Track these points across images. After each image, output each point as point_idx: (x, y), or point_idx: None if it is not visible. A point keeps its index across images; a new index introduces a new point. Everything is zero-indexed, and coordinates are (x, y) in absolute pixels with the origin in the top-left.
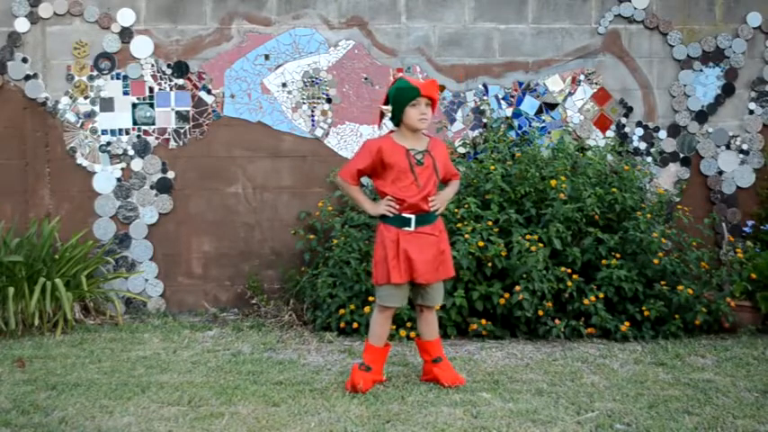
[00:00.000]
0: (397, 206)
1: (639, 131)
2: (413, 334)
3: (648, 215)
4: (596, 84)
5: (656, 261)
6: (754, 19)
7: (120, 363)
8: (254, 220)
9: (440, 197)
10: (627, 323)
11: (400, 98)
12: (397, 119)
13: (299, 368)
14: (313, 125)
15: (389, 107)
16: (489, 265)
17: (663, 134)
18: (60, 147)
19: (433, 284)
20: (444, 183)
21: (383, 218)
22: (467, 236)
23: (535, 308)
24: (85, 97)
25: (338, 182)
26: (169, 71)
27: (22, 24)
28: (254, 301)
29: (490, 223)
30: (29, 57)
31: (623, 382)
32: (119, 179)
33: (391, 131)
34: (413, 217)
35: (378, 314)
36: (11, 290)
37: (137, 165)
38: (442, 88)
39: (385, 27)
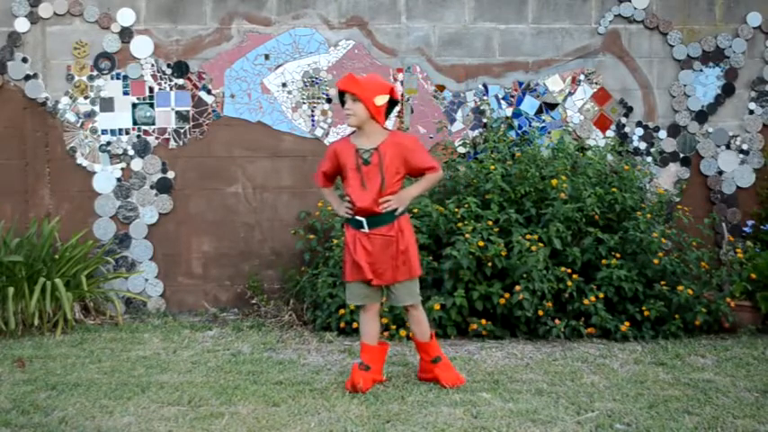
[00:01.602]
0: (352, 208)
1: (639, 131)
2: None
3: (648, 215)
4: (596, 84)
5: (656, 261)
6: (754, 19)
7: (120, 363)
8: (254, 220)
9: (399, 195)
10: (627, 323)
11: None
12: None
13: (299, 368)
14: (313, 125)
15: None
16: (489, 264)
17: (663, 134)
18: (60, 147)
19: (396, 285)
20: (418, 177)
21: (347, 218)
22: (467, 235)
23: (535, 308)
24: (85, 97)
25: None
26: (169, 71)
27: (22, 24)
28: (254, 301)
29: (490, 223)
30: (29, 57)
31: (623, 382)
32: (119, 179)
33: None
34: (364, 219)
35: (360, 314)
36: (11, 290)
37: (137, 165)
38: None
39: (385, 27)
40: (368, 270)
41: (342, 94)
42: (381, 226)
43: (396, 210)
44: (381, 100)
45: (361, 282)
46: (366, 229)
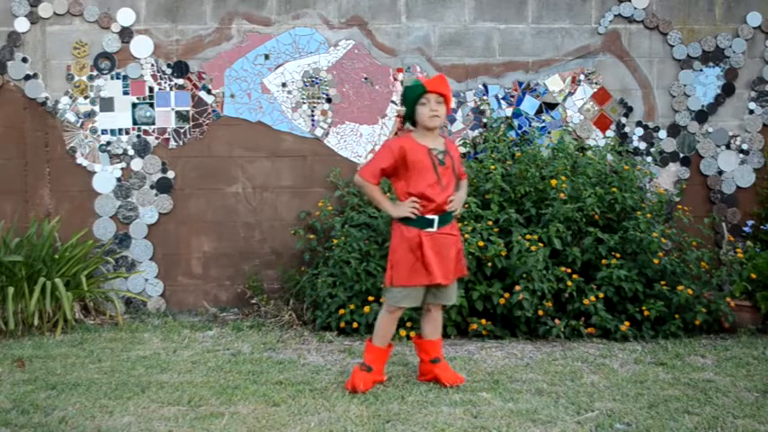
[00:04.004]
0: (421, 207)
1: (639, 131)
2: (413, 334)
3: (648, 215)
4: (596, 84)
5: (656, 261)
6: (754, 19)
7: (120, 363)
8: (254, 220)
9: (457, 198)
10: (627, 323)
11: (408, 97)
12: (412, 119)
13: (299, 368)
14: (313, 125)
15: (404, 108)
16: (489, 264)
17: (663, 134)
18: (60, 147)
19: (451, 284)
20: None
21: (403, 219)
22: (467, 236)
23: (535, 308)
24: (85, 97)
25: (358, 181)
26: (169, 71)
27: (21, 24)
28: (254, 301)
29: (490, 223)
30: (29, 57)
31: (623, 382)
32: (119, 179)
33: (410, 131)
34: (436, 218)
35: (387, 315)
36: (11, 290)
37: (137, 165)
38: None
39: (385, 27)
40: (439, 272)
41: (420, 95)
42: (446, 225)
43: (454, 210)
44: (452, 102)
45: (419, 284)
46: (434, 229)
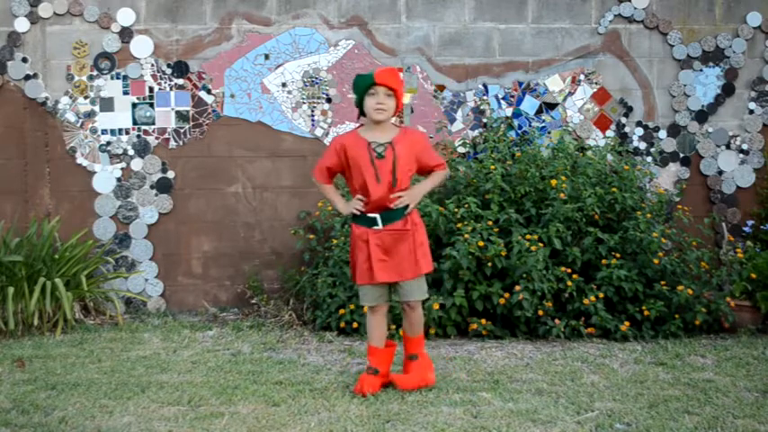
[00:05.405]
0: (364, 205)
1: (639, 131)
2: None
3: (648, 215)
4: (596, 83)
5: (656, 261)
6: (754, 19)
7: (120, 363)
8: (254, 220)
9: (410, 191)
10: (627, 323)
11: (357, 88)
12: (361, 110)
13: (299, 368)
14: (313, 125)
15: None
16: (489, 264)
17: (663, 134)
18: (60, 147)
19: (410, 280)
20: (425, 174)
21: (354, 217)
22: (467, 236)
23: (535, 308)
24: (85, 97)
25: (313, 181)
26: (169, 71)
27: (21, 24)
28: (254, 301)
29: (490, 223)
30: (29, 57)
31: (623, 382)
32: (119, 179)
33: (360, 125)
34: (378, 216)
35: (368, 316)
36: (11, 290)
37: (137, 165)
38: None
39: (385, 27)
40: (381, 272)
41: (369, 86)
42: (395, 221)
43: (407, 206)
44: (406, 98)
45: (369, 283)
46: (380, 226)
